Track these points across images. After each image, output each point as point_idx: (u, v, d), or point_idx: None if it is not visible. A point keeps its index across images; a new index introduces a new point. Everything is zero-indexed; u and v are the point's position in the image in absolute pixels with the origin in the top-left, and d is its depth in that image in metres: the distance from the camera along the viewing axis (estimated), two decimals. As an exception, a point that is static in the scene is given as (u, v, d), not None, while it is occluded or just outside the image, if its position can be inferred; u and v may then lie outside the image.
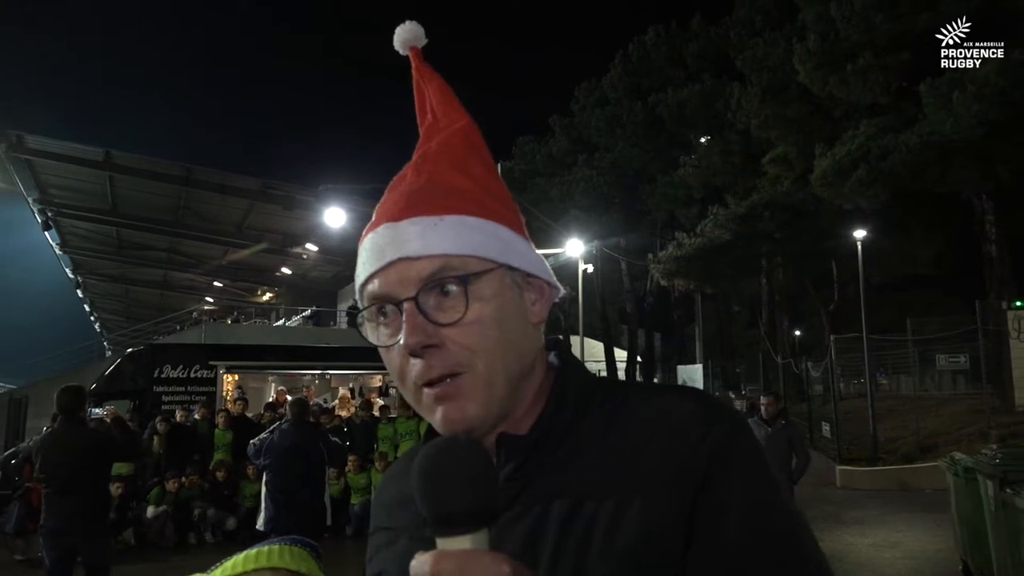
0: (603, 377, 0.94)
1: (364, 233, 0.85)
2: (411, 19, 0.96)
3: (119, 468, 10.34)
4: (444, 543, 0.63)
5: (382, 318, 0.81)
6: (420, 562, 0.61)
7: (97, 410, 16.13)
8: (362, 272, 0.83)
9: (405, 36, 0.96)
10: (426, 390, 0.79)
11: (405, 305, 0.78)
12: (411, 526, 0.85)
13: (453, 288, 0.78)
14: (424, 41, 0.97)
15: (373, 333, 0.83)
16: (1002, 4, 17.40)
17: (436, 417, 0.79)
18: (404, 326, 0.77)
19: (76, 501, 5.07)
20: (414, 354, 0.77)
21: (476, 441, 0.72)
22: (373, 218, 0.85)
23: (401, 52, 0.98)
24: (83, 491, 5.13)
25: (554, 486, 0.78)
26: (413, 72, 0.96)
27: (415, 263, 0.78)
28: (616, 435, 0.79)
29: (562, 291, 0.91)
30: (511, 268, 0.83)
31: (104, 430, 8.59)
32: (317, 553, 1.02)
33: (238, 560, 0.97)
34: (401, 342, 0.77)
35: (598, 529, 0.74)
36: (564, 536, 0.75)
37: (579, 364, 0.90)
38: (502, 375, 0.79)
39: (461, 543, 0.63)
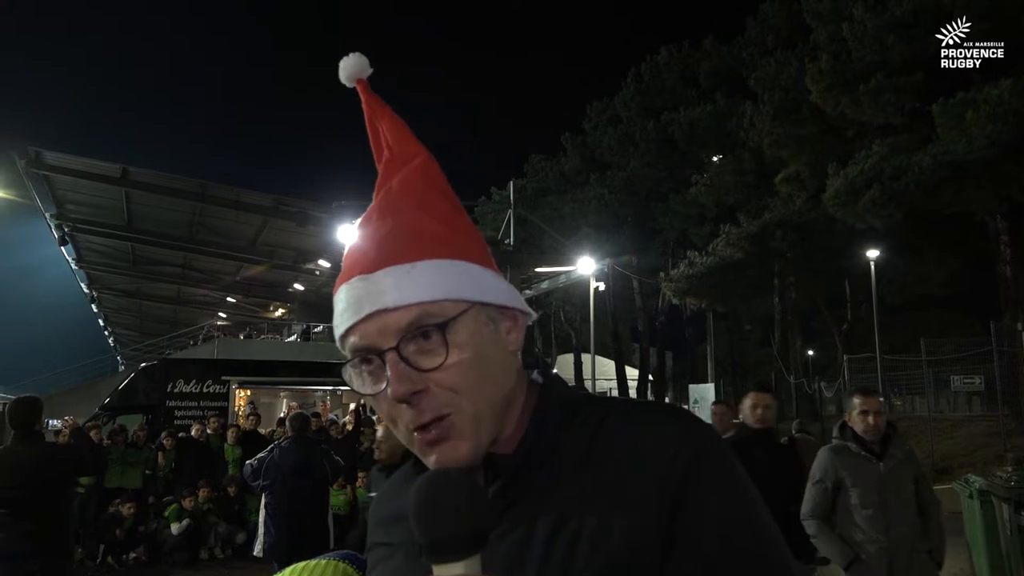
0: (585, 392, 0.96)
1: (338, 283, 0.87)
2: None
3: (126, 482, 10.39)
4: (439, 570, 0.67)
5: (365, 366, 0.83)
6: None
7: (55, 421, 16.11)
8: (340, 324, 0.85)
9: (351, 69, 0.97)
10: (417, 435, 0.81)
11: (388, 355, 0.80)
12: (406, 542, 0.87)
13: (432, 335, 0.80)
14: (369, 71, 0.97)
15: (358, 381, 0.84)
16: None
17: (431, 460, 0.82)
18: (389, 376, 0.80)
19: (33, 523, 4.54)
20: (402, 401, 0.80)
21: (465, 471, 0.76)
22: (344, 264, 0.88)
23: (348, 85, 0.98)
24: (41, 511, 4.60)
25: (539, 504, 0.81)
26: (363, 106, 0.97)
27: (392, 314, 0.80)
28: (598, 453, 0.82)
29: (534, 315, 0.93)
30: (484, 304, 0.85)
31: (63, 444, 8.10)
32: (364, 570, 1.05)
33: (284, 572, 1.00)
34: (389, 392, 0.80)
35: (581, 545, 0.77)
36: (548, 553, 0.78)
37: (560, 381, 0.93)
38: (487, 409, 0.82)
39: (454, 569, 0.67)
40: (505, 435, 0.86)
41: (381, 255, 0.84)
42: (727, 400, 5.72)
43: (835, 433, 3.97)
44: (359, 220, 0.91)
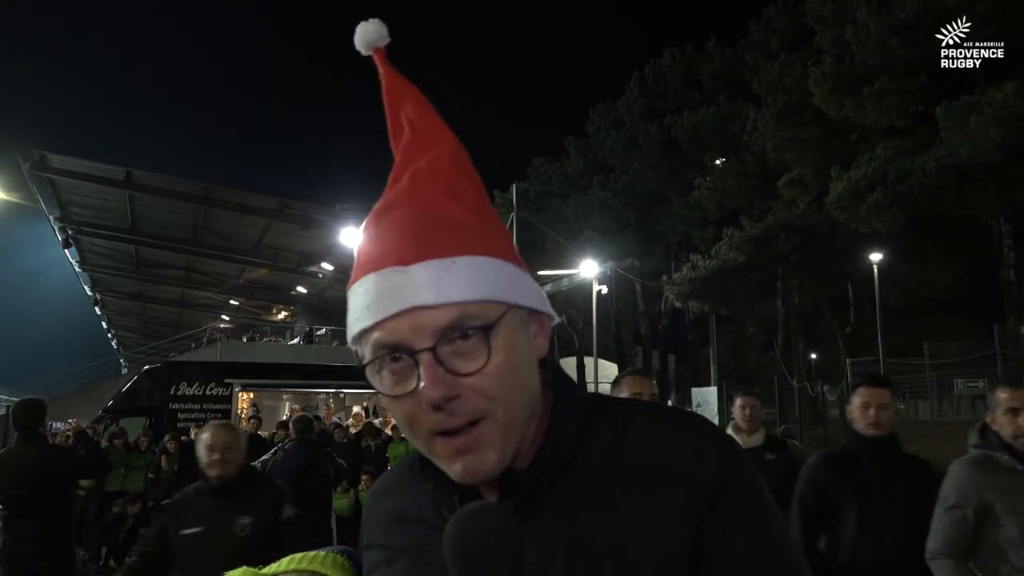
0: (601, 396, 0.93)
1: (364, 270, 0.80)
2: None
3: (127, 485, 10.39)
4: None
5: (389, 364, 0.77)
6: None
7: (58, 424, 16.21)
8: (365, 318, 0.77)
9: (368, 36, 0.89)
10: (441, 440, 0.76)
11: (422, 356, 0.74)
12: (411, 547, 0.85)
13: (471, 337, 0.75)
14: (387, 40, 0.90)
15: (378, 381, 0.78)
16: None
17: (455, 469, 0.77)
18: (423, 378, 0.74)
19: (36, 523, 4.55)
20: (435, 406, 0.74)
21: (504, 508, 0.74)
22: (369, 250, 0.80)
23: (363, 53, 0.90)
24: (44, 512, 4.61)
25: (558, 518, 0.77)
26: (383, 81, 0.90)
27: (430, 312, 0.74)
28: (619, 463, 0.79)
29: (556, 319, 0.88)
30: (519, 307, 0.80)
31: (65, 445, 8.16)
32: (359, 566, 1.05)
33: (283, 561, 1.01)
34: (423, 396, 0.74)
35: (605, 561, 0.74)
36: (570, 569, 0.75)
37: (574, 384, 0.88)
38: (517, 419, 0.78)
39: None
40: (524, 445, 0.81)
41: (417, 246, 0.76)
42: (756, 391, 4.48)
43: (974, 440, 2.88)
44: (380, 203, 0.83)
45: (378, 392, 0.78)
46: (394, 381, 0.76)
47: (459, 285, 0.75)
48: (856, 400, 3.16)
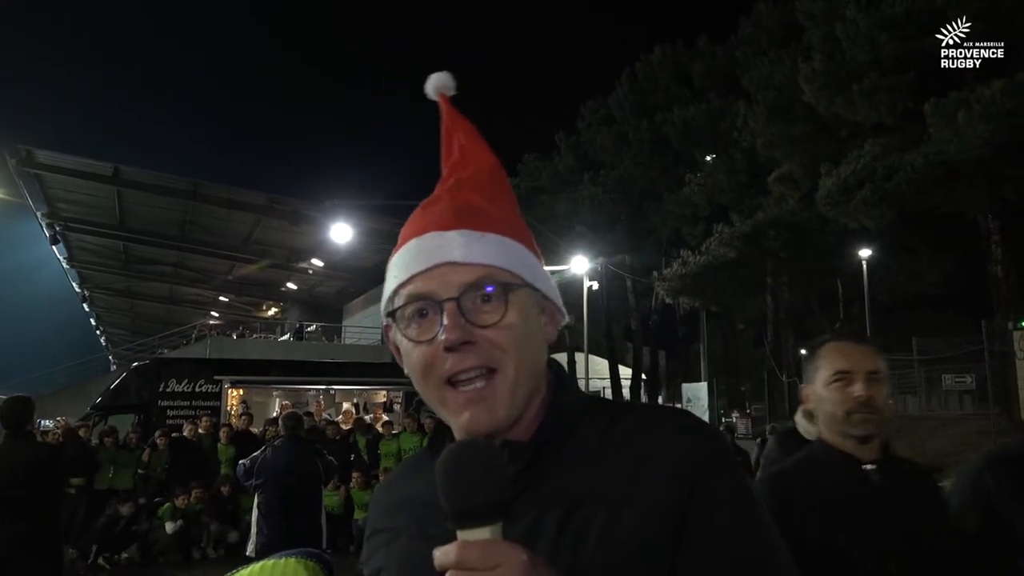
0: (593, 394, 1.03)
1: (406, 237, 0.92)
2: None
3: (116, 483, 10.35)
4: (465, 534, 0.69)
5: (416, 316, 0.87)
6: (444, 551, 0.67)
7: (47, 422, 16.13)
8: (403, 272, 0.89)
9: (437, 84, 1.04)
10: (452, 391, 0.85)
11: (446, 305, 0.84)
12: (410, 525, 0.91)
13: (493, 297, 0.86)
14: (453, 91, 1.05)
15: (404, 327, 0.88)
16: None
17: (462, 419, 0.85)
18: (444, 323, 0.84)
19: (24, 523, 4.43)
20: (450, 349, 0.84)
21: (492, 442, 0.80)
22: (411, 226, 0.93)
23: (431, 96, 1.05)
24: (31, 512, 4.50)
25: (553, 490, 0.84)
26: (443, 116, 1.04)
27: (459, 268, 0.86)
28: (610, 446, 0.86)
29: (567, 319, 0.98)
30: (535, 289, 0.91)
31: (55, 444, 8.07)
32: (329, 568, 1.03)
33: (254, 569, 0.98)
34: (441, 337, 0.84)
35: (593, 531, 0.79)
36: (561, 537, 0.80)
37: (572, 381, 0.98)
38: (524, 382, 0.87)
39: (481, 534, 0.69)
40: (524, 422, 0.89)
41: (457, 219, 0.89)
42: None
43: None
44: (426, 200, 0.96)
45: (399, 343, 0.89)
46: (418, 332, 0.87)
47: (487, 251, 0.87)
48: None
